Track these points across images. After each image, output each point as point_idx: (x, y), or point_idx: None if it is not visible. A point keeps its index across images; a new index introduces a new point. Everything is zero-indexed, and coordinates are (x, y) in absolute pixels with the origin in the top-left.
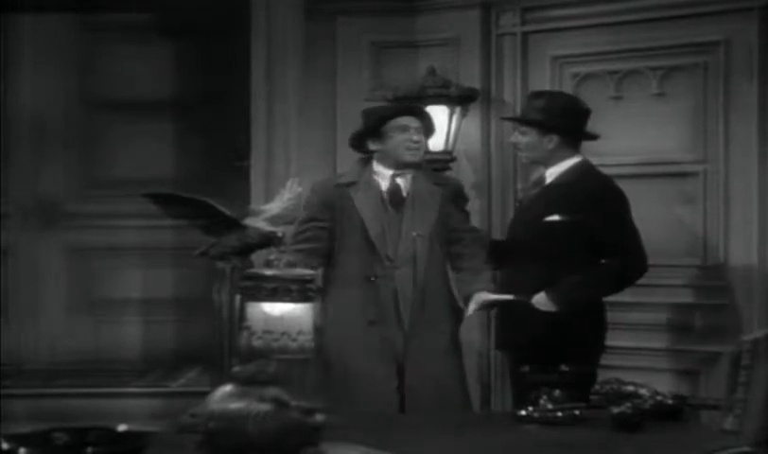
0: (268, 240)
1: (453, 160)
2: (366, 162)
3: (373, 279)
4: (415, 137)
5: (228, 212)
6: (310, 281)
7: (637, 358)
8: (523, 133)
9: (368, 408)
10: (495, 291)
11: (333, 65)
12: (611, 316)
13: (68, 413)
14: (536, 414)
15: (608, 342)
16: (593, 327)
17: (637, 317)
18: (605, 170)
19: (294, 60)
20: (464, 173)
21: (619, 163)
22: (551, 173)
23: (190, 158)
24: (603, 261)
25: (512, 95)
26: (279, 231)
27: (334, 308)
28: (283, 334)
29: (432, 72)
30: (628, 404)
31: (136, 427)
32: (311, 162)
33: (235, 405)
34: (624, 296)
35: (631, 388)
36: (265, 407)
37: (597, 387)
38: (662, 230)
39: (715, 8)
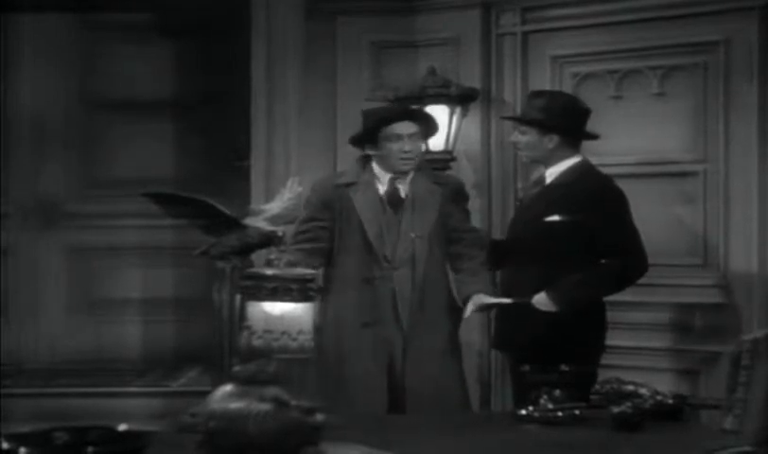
0: (268, 240)
1: (453, 160)
2: (366, 161)
3: (370, 280)
4: (407, 147)
5: (228, 212)
6: (311, 280)
7: (638, 358)
8: (523, 133)
9: (360, 408)
10: (494, 293)
11: (333, 65)
12: (611, 315)
13: (68, 413)
14: (536, 414)
15: (608, 342)
16: (593, 327)
17: (637, 316)
18: (605, 170)
19: (294, 59)
20: (465, 173)
21: (618, 162)
22: (551, 173)
23: (190, 158)
24: (604, 261)
25: (512, 94)
26: (279, 230)
27: (331, 309)
28: (283, 333)
29: (432, 72)
30: (628, 404)
31: (137, 426)
32: (311, 161)
33: (236, 404)
34: (624, 296)
35: (631, 387)
36: (265, 406)
37: (597, 386)
38: (662, 230)
39: (715, 8)
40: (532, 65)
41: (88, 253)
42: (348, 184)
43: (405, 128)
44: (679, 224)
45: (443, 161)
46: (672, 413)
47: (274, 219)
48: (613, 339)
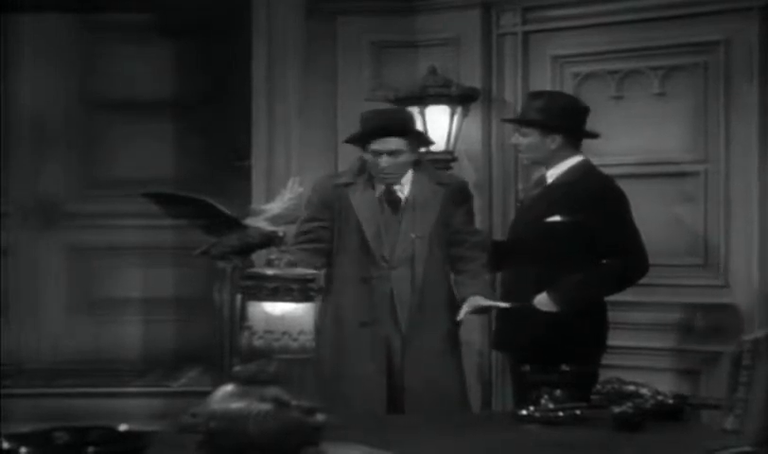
0: (269, 240)
1: (454, 160)
2: (365, 161)
3: (368, 280)
4: (383, 164)
5: (229, 212)
6: (311, 280)
7: (638, 358)
8: (525, 135)
9: (358, 408)
10: (493, 295)
11: (333, 65)
12: (612, 315)
13: (69, 413)
14: (537, 414)
15: (609, 342)
16: (594, 327)
17: (637, 316)
18: (606, 170)
19: (295, 59)
20: (465, 173)
21: (619, 162)
22: (553, 173)
23: (190, 158)
24: (605, 261)
25: (512, 94)
26: (280, 230)
27: (330, 309)
28: (284, 333)
29: (433, 72)
30: (629, 404)
31: (137, 426)
32: (312, 161)
33: (236, 405)
34: (625, 296)
35: (632, 387)
36: (266, 406)
37: (598, 386)
38: (663, 230)
39: (715, 8)
40: (532, 65)
41: (88, 252)
42: (347, 184)
43: (383, 144)
44: (680, 224)
45: (443, 161)
46: (672, 413)
47: (275, 219)
48: (614, 339)
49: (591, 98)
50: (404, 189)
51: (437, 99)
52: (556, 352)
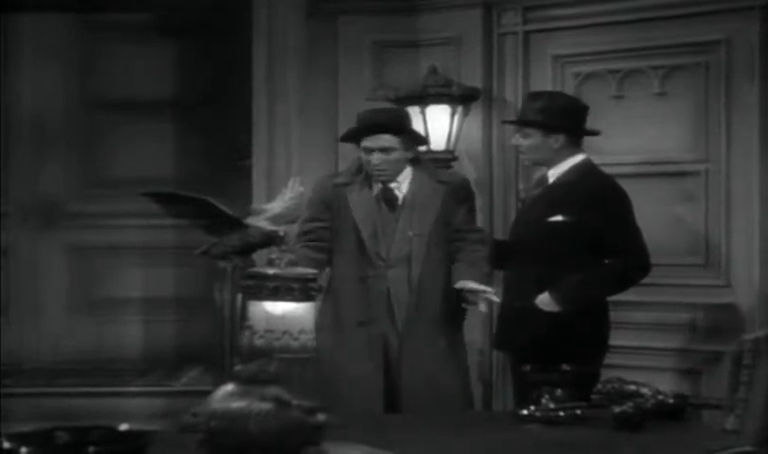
0: (269, 239)
1: (455, 159)
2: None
3: (365, 279)
4: (375, 161)
5: (229, 211)
6: (312, 280)
7: (639, 358)
8: (526, 136)
9: (355, 408)
10: (489, 284)
11: (334, 64)
12: (612, 315)
13: (69, 413)
14: (538, 414)
15: (610, 342)
16: (596, 327)
17: (638, 316)
18: (607, 170)
19: (295, 59)
20: (466, 172)
21: (620, 162)
22: (554, 173)
23: (191, 157)
24: (606, 261)
25: (513, 94)
26: (281, 230)
27: (327, 308)
28: (284, 333)
29: (434, 71)
30: (630, 403)
31: (138, 426)
32: (313, 161)
33: (237, 404)
34: (625, 295)
35: (632, 387)
36: (266, 406)
37: (598, 386)
38: (663, 229)
39: (716, 8)
40: (533, 65)
41: (89, 252)
42: (345, 184)
43: (373, 141)
44: (680, 224)
45: (444, 161)
46: (673, 413)
47: (276, 219)
48: (614, 338)
49: (592, 98)
50: (402, 187)
51: (438, 99)
52: (557, 352)
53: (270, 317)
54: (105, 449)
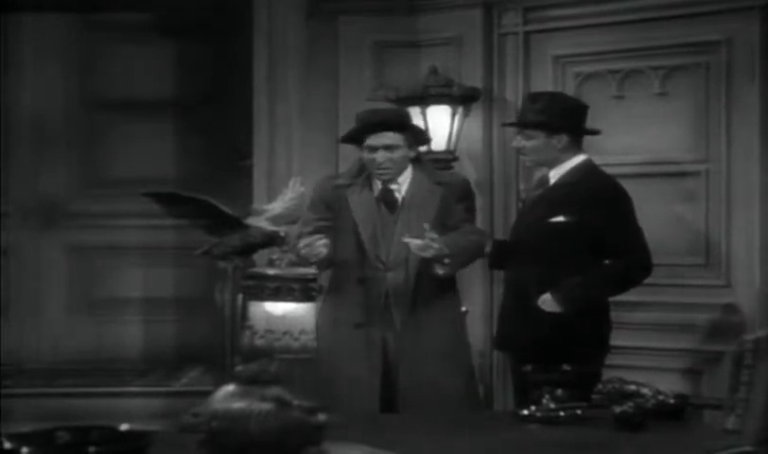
0: (270, 240)
1: (455, 159)
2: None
3: (363, 281)
4: (379, 159)
5: (230, 211)
6: (312, 280)
7: (639, 358)
8: (529, 138)
9: (352, 410)
10: (441, 251)
11: (335, 65)
12: (613, 315)
13: (70, 413)
14: (539, 414)
15: (611, 342)
16: (597, 327)
17: (638, 316)
18: (608, 170)
19: (296, 59)
20: (467, 173)
21: (620, 162)
22: (555, 173)
23: (192, 158)
24: (608, 262)
25: (514, 94)
26: (281, 230)
27: (325, 309)
28: (285, 333)
29: (434, 71)
30: (630, 403)
31: (138, 426)
32: (313, 161)
33: (238, 404)
34: (626, 295)
35: (633, 387)
36: (267, 406)
37: (599, 386)
38: (664, 229)
39: (716, 8)
40: (533, 65)
41: (89, 252)
42: (345, 186)
43: (377, 139)
44: (681, 224)
45: (445, 161)
46: (673, 413)
47: (276, 219)
48: (615, 338)
49: (592, 98)
50: (402, 189)
51: (438, 99)
52: (558, 352)
53: (270, 317)
54: (105, 449)
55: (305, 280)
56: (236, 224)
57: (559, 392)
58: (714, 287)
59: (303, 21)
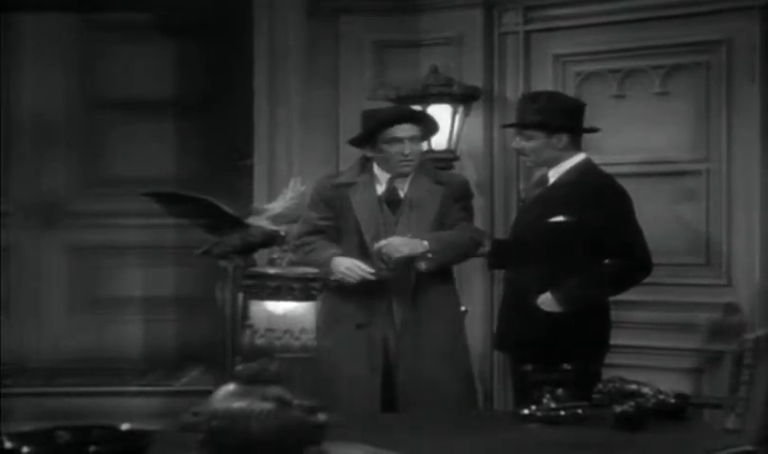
0: (271, 239)
1: (456, 159)
2: (366, 162)
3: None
4: (407, 150)
5: (231, 211)
6: (313, 280)
7: (640, 357)
8: (528, 138)
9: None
10: (417, 250)
11: (335, 64)
12: (613, 314)
13: (70, 412)
14: (539, 413)
15: (611, 341)
16: (597, 327)
17: (639, 315)
18: (607, 169)
19: (296, 58)
20: (467, 172)
21: (621, 161)
22: (555, 173)
23: (192, 157)
24: (607, 261)
25: (514, 94)
26: (282, 230)
27: (326, 309)
28: (285, 332)
29: (435, 71)
30: (631, 403)
31: (139, 425)
32: (314, 160)
33: (238, 404)
34: (627, 295)
35: (634, 387)
36: (268, 406)
37: (599, 386)
38: (664, 229)
39: (717, 8)
40: (534, 64)
41: (89, 252)
42: (347, 184)
43: (404, 130)
44: (681, 223)
45: (445, 160)
46: (674, 413)
47: (277, 219)
48: (615, 338)
49: (593, 97)
50: (404, 188)
51: (439, 98)
52: (558, 351)
53: (271, 316)
54: (105, 449)
55: (305, 279)
56: (237, 223)
57: (559, 391)
58: (714, 286)
59: (303, 20)
